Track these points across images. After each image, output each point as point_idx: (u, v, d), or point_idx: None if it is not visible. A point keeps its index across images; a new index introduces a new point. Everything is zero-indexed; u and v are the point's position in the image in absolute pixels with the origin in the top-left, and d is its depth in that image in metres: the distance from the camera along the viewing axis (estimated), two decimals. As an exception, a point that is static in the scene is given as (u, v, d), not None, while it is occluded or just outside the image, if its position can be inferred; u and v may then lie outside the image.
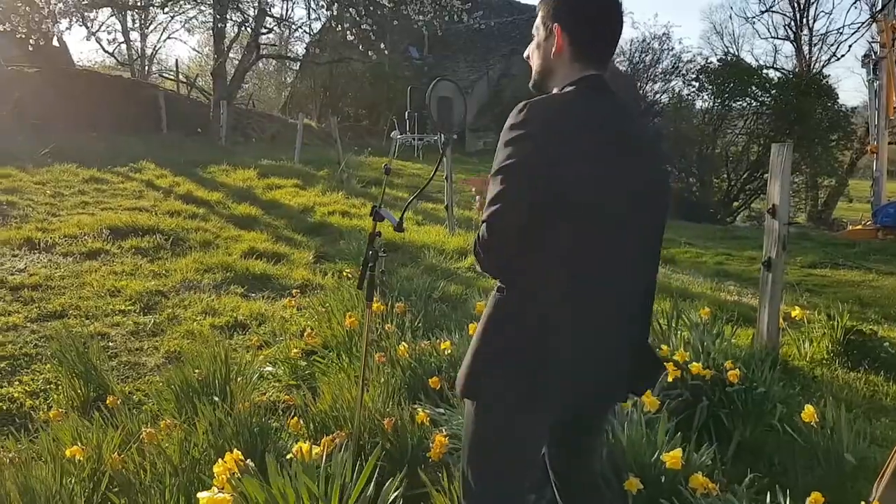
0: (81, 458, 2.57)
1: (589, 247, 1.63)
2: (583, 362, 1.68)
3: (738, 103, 21.06)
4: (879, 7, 18.67)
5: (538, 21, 1.78)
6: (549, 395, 1.67)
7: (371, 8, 16.22)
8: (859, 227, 18.33)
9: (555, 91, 1.75)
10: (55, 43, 19.52)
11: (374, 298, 2.82)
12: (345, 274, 5.78)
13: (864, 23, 36.11)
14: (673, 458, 2.47)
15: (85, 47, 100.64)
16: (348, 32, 16.04)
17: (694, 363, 3.43)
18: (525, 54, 1.85)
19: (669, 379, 3.31)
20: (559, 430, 1.86)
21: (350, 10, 15.82)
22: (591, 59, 1.71)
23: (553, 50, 1.72)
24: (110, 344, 4.53)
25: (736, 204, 20.87)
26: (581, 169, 1.57)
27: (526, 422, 1.70)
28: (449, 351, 3.63)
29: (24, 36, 13.94)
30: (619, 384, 1.83)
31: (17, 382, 3.88)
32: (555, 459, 1.94)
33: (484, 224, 1.59)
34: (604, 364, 1.74)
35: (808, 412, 3.01)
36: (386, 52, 17.71)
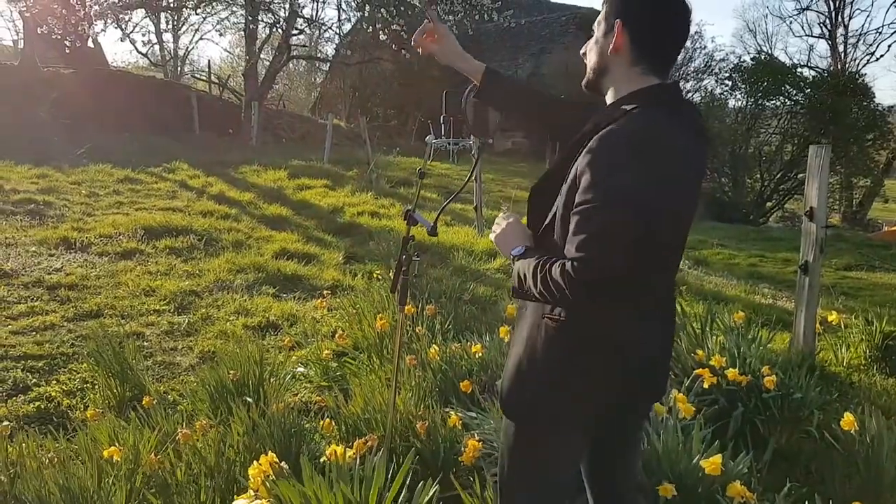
0: (119, 459, 2.61)
1: (662, 273, 1.65)
2: (643, 374, 1.70)
3: (772, 102, 20.75)
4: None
5: (600, 16, 1.67)
6: (607, 410, 1.69)
7: (402, 8, 16.24)
8: (895, 228, 17.99)
9: (610, 95, 1.66)
10: (90, 44, 19.82)
11: (406, 300, 2.82)
12: (375, 275, 5.80)
13: (891, 23, 35.43)
14: (712, 464, 2.44)
15: (119, 48, 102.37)
16: (380, 32, 16.09)
17: (730, 369, 3.38)
18: (581, 51, 1.74)
19: (705, 385, 3.27)
20: (598, 442, 1.85)
21: (381, 10, 15.84)
22: (652, 63, 1.61)
23: (611, 47, 1.61)
24: (145, 343, 4.59)
25: (769, 204, 20.55)
26: (671, 197, 1.51)
27: (576, 445, 1.74)
28: (480, 354, 3.62)
29: (60, 37, 14.18)
30: (662, 386, 1.84)
31: (54, 382, 3.95)
32: (593, 469, 1.93)
33: (573, 263, 1.45)
34: (659, 370, 1.79)
35: (848, 420, 2.95)
36: (417, 51, 17.72)
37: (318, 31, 28.27)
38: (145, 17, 24.28)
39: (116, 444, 2.73)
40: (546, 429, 1.70)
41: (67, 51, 14.68)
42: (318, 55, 30.73)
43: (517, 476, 1.76)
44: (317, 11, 31.36)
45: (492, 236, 1.85)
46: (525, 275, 1.61)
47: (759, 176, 19.92)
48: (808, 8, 30.36)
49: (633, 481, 1.99)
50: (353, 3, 19.58)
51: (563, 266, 1.47)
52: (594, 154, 1.48)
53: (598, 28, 1.68)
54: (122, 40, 43.67)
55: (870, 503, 2.79)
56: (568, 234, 1.49)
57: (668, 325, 1.76)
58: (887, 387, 4.26)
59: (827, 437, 3.17)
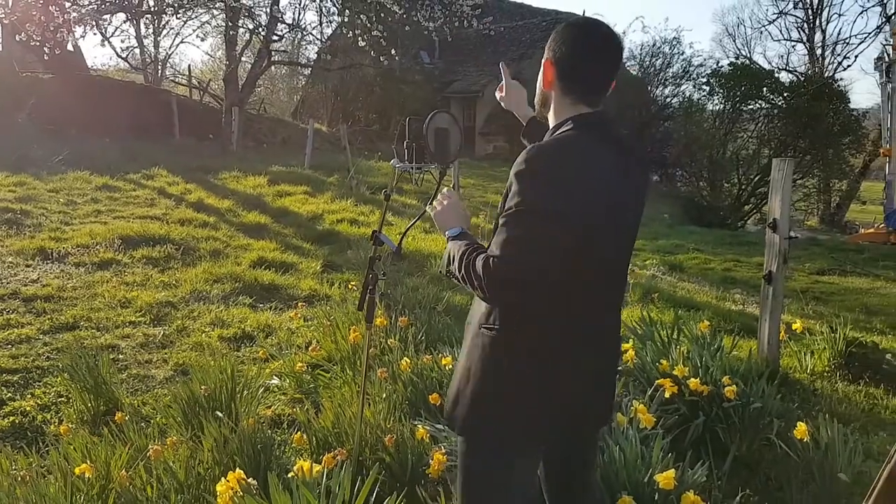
0: (90, 476, 2.65)
1: (585, 284, 1.69)
2: (582, 396, 1.76)
3: (749, 107, 21.03)
4: (893, 10, 18.58)
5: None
6: (550, 432, 1.75)
7: (382, 14, 16.30)
8: (871, 230, 18.26)
9: (551, 122, 1.81)
10: (70, 48, 19.71)
11: (378, 312, 2.89)
12: (350, 286, 5.86)
13: (870, 33, 35.92)
14: (666, 478, 2.51)
15: (99, 52, 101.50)
16: (359, 38, 16.15)
17: (692, 379, 3.47)
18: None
19: (667, 395, 3.35)
20: (555, 464, 1.94)
21: (361, 16, 15.90)
22: (580, 95, 1.75)
23: (543, 81, 1.79)
24: (120, 356, 4.62)
25: (747, 208, 20.82)
26: (587, 210, 1.61)
27: (526, 458, 1.79)
28: (450, 366, 3.69)
29: (38, 44, 14.11)
30: (607, 411, 1.92)
31: (29, 396, 3.97)
32: (552, 490, 2.01)
33: (493, 259, 1.60)
34: (599, 395, 1.85)
35: (801, 429, 3.05)
36: (397, 57, 17.84)
37: (298, 36, 28.24)
38: (126, 20, 24.12)
39: (88, 461, 2.77)
40: (490, 443, 1.76)
41: (46, 57, 14.58)
42: (300, 60, 30.69)
43: (469, 494, 1.81)
44: (298, 16, 31.27)
45: (432, 212, 1.95)
46: (454, 257, 1.73)
47: (736, 180, 20.17)
48: (784, 12, 30.67)
49: (592, 497, 2.06)
50: (333, 9, 19.60)
51: (486, 260, 1.61)
52: (519, 167, 1.62)
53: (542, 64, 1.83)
54: (102, 45, 43.38)
55: (824, 509, 2.89)
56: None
57: (605, 355, 1.83)
58: (849, 393, 4.37)
59: (784, 446, 3.25)
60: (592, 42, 1.74)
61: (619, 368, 2.07)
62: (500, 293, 1.63)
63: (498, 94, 2.32)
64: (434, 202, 1.96)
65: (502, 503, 1.81)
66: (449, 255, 1.77)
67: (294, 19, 29.02)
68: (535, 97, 1.86)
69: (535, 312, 1.67)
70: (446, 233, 1.86)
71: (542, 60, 1.79)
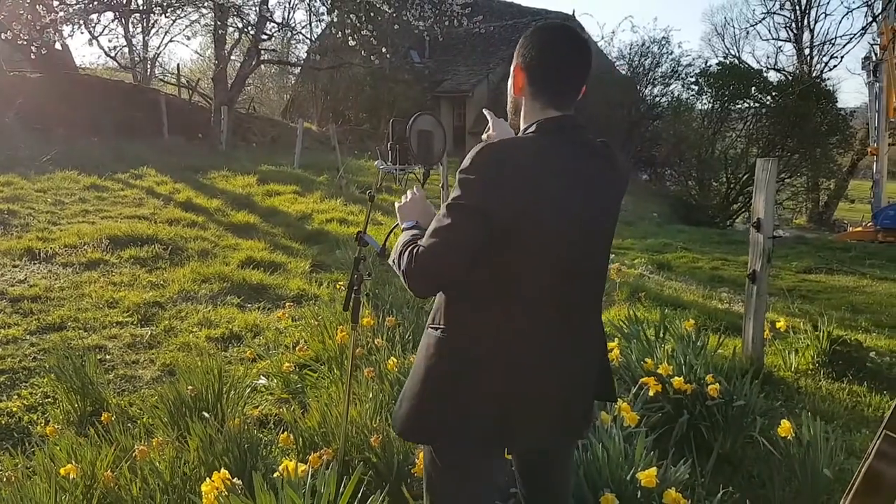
0: (75, 476, 2.65)
1: (533, 285, 1.66)
2: (537, 398, 1.70)
3: (738, 105, 21.15)
4: (880, 10, 18.71)
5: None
6: (505, 434, 1.69)
7: (372, 13, 16.30)
8: (859, 228, 18.41)
9: (522, 125, 1.79)
10: (58, 47, 19.60)
11: (366, 312, 2.91)
12: (339, 286, 5.86)
13: (856, 34, 36.15)
14: (647, 476, 2.54)
15: (87, 51, 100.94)
16: (349, 38, 16.13)
17: (676, 378, 3.50)
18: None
19: (651, 393, 3.38)
20: (526, 466, 1.94)
21: (351, 15, 15.88)
22: (550, 99, 1.73)
23: (514, 88, 1.79)
24: (107, 357, 4.62)
25: (735, 206, 20.93)
26: (527, 210, 1.60)
27: (482, 461, 1.74)
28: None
29: (26, 43, 14.03)
30: (580, 418, 1.85)
31: (15, 396, 3.97)
32: (526, 496, 2.00)
33: (418, 249, 1.64)
34: (560, 399, 1.76)
35: (784, 426, 3.08)
36: (387, 56, 17.83)
37: (288, 35, 28.20)
38: (114, 19, 24.00)
39: (74, 461, 2.78)
40: (439, 445, 1.75)
41: (34, 56, 14.50)
42: (290, 59, 30.63)
43: (429, 495, 1.82)
44: (287, 15, 31.22)
45: (397, 204, 2.01)
46: (398, 243, 1.77)
47: (724, 179, 20.27)
48: (773, 12, 30.83)
49: (568, 496, 2.08)
50: (322, 8, 19.58)
51: (413, 249, 1.66)
52: (463, 164, 1.63)
53: (511, 70, 1.83)
54: (89, 43, 43.18)
55: (806, 507, 2.93)
56: None
57: (568, 360, 1.75)
58: (832, 391, 4.42)
59: (767, 443, 3.29)
60: (561, 46, 1.73)
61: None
62: (418, 282, 1.65)
63: (486, 136, 2.30)
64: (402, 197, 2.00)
65: None
66: (397, 244, 1.80)
67: (283, 18, 28.95)
68: (508, 105, 1.85)
69: (475, 312, 1.67)
70: (402, 225, 1.91)
71: (512, 67, 1.79)
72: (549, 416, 1.75)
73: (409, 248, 1.68)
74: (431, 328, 1.74)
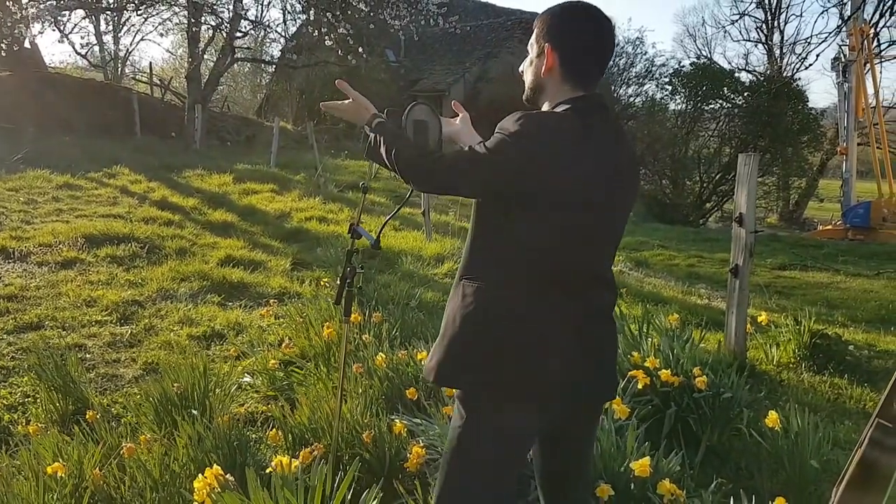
0: (63, 475, 2.60)
1: (559, 248, 1.70)
2: (566, 360, 1.72)
3: (711, 106, 21.38)
4: (849, 12, 19.03)
5: (532, 38, 1.83)
6: (533, 385, 1.70)
7: (348, 12, 16.23)
8: (829, 226, 18.71)
9: (545, 107, 1.81)
10: (27, 45, 19.29)
11: (353, 308, 2.88)
12: (322, 283, 5.82)
13: (831, 32, 36.75)
14: (641, 466, 2.55)
15: (57, 49, 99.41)
16: (325, 36, 16.05)
17: (664, 370, 3.52)
18: (520, 68, 1.89)
19: (639, 386, 3.40)
20: (548, 444, 1.91)
21: (326, 14, 15.80)
22: (579, 79, 1.76)
23: (543, 68, 1.78)
24: (87, 356, 4.54)
25: (708, 205, 21.17)
26: (561, 178, 1.65)
27: (512, 412, 1.72)
28: (426, 361, 3.69)
29: (-5, 40, 13.79)
30: (603, 385, 1.86)
31: (-6, 396, 3.89)
32: (545, 471, 1.98)
33: (441, 157, 1.76)
34: (588, 363, 1.77)
35: (772, 418, 3.11)
36: (363, 55, 17.76)
37: (262, 34, 27.99)
38: (85, 17, 23.66)
39: (60, 460, 2.72)
40: (475, 395, 1.74)
41: (3, 53, 14.24)
42: (264, 57, 30.43)
43: (452, 452, 1.78)
44: (261, 13, 31.00)
45: (339, 113, 2.05)
46: (387, 139, 1.83)
47: (698, 178, 20.47)
48: (743, 13, 31.20)
49: (586, 483, 2.07)
50: (297, 6, 19.47)
51: (438, 157, 1.78)
52: (505, 122, 1.70)
53: (532, 49, 1.84)
54: (60, 41, 42.56)
55: (794, 497, 2.95)
56: None
57: (591, 325, 1.78)
58: (814, 384, 4.48)
59: (755, 435, 3.32)
60: (595, 27, 1.76)
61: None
62: (427, 179, 1.80)
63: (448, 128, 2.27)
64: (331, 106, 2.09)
65: (488, 466, 1.75)
66: (379, 138, 1.84)
67: (257, 16, 28.72)
68: (529, 84, 1.84)
69: (510, 271, 1.72)
70: (373, 122, 1.94)
71: (539, 47, 1.79)
72: (580, 371, 1.76)
73: (421, 151, 1.81)
74: (467, 279, 1.77)
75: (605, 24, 1.76)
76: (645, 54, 28.82)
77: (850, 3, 19.04)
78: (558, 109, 1.76)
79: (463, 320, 1.74)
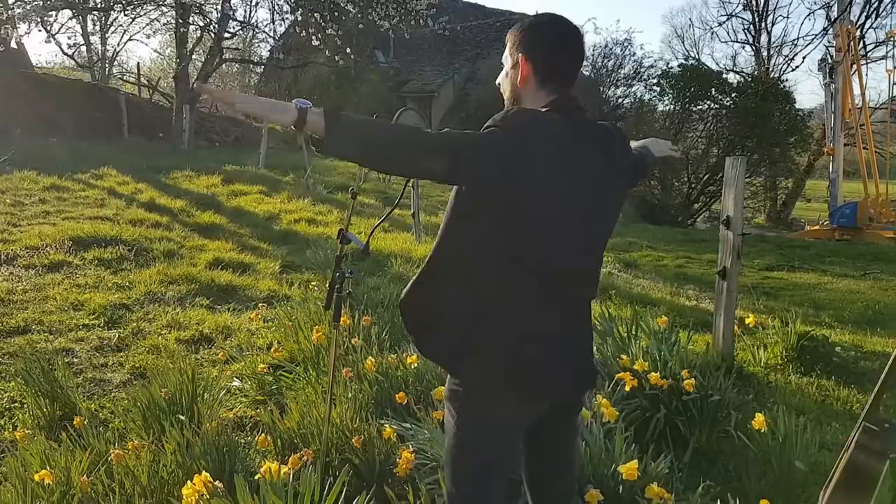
0: (51, 482, 2.59)
1: (536, 241, 1.74)
2: (549, 343, 1.80)
3: (699, 107, 21.48)
4: (836, 14, 19.16)
5: (506, 52, 1.90)
6: (520, 376, 1.77)
7: (336, 13, 16.20)
8: (816, 227, 18.84)
9: None
10: (13, 45, 19.14)
11: (343, 312, 2.88)
12: (311, 285, 5.81)
13: (818, 34, 36.96)
14: (629, 469, 2.56)
15: (43, 49, 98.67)
16: (314, 37, 16.01)
17: (652, 373, 3.53)
18: (497, 81, 1.95)
19: (627, 388, 3.41)
20: (531, 439, 1.94)
21: (315, 14, 15.76)
22: (555, 83, 1.83)
23: (519, 78, 1.84)
24: (75, 360, 4.51)
25: (696, 206, 21.26)
26: (540, 170, 1.69)
27: (500, 405, 1.79)
28: (416, 365, 3.69)
29: (-20, 41, 13.69)
30: (590, 369, 1.95)
31: (-20, 402, 3.85)
32: (531, 470, 2.02)
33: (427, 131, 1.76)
34: (570, 348, 1.87)
35: (759, 420, 3.13)
36: (352, 56, 17.73)
37: (250, 34, 27.91)
38: (72, 17, 23.50)
39: (48, 466, 2.71)
40: (462, 396, 1.82)
41: (-12, 53, 14.15)
42: (252, 58, 30.33)
43: (450, 451, 1.87)
44: (249, 14, 30.88)
45: (245, 107, 1.79)
46: (360, 120, 1.76)
47: (686, 179, 20.56)
48: (731, 15, 31.35)
49: (572, 484, 2.09)
50: (286, 7, 19.43)
51: (423, 131, 1.76)
52: (495, 117, 1.73)
53: (507, 62, 1.90)
54: (47, 41, 42.28)
55: (782, 499, 2.97)
56: None
57: (568, 318, 1.86)
58: (801, 385, 4.51)
59: (743, 437, 3.34)
60: (564, 35, 1.84)
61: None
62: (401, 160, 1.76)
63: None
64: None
65: (484, 462, 1.84)
66: (348, 122, 1.71)
67: (245, 17, 28.65)
68: (507, 95, 1.90)
69: (480, 257, 1.76)
70: (298, 104, 1.70)
71: (514, 59, 1.85)
72: (561, 362, 1.84)
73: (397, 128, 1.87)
74: (438, 273, 1.86)
75: (574, 32, 1.85)
76: (633, 55, 28.91)
77: (836, 4, 19.19)
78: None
79: (448, 314, 1.84)
